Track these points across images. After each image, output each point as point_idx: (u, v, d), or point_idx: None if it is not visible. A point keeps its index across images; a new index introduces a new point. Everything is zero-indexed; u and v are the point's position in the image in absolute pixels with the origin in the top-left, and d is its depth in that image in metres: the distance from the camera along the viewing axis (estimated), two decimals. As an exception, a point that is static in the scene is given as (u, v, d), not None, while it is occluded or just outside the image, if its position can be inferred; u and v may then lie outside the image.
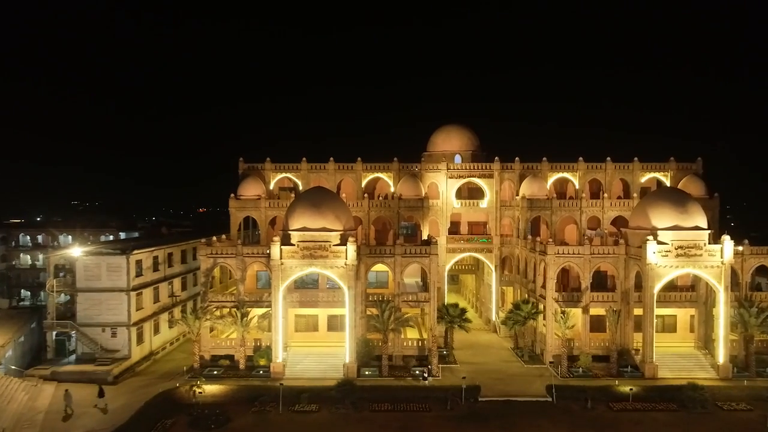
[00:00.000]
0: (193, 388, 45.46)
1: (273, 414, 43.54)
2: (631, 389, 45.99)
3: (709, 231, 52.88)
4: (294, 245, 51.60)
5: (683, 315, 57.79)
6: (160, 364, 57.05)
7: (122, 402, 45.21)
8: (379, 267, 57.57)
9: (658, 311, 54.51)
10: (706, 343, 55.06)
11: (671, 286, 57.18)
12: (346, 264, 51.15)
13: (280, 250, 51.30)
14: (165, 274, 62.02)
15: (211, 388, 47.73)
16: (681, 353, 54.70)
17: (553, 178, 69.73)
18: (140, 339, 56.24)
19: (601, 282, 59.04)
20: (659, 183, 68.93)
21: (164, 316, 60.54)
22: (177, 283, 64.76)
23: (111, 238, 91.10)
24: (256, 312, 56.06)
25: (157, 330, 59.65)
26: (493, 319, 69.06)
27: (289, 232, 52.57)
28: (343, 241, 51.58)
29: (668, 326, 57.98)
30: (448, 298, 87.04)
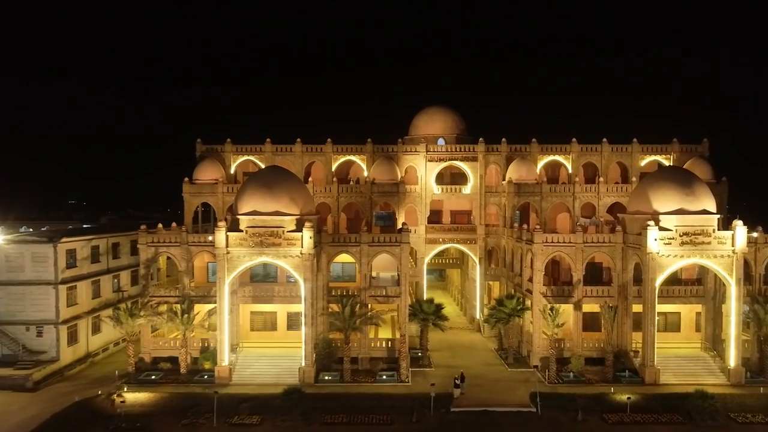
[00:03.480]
0: (112, 397, 38.90)
1: (205, 428, 36.98)
2: (628, 398, 39.40)
3: (718, 216, 46.30)
4: (242, 231, 45.00)
5: (688, 312, 51.19)
6: (97, 367, 50.43)
7: (33, 412, 38.59)
8: (347, 258, 51.07)
9: (660, 308, 47.88)
10: (715, 344, 48.44)
11: (675, 279, 50.80)
12: (302, 253, 44.56)
13: (226, 236, 44.70)
14: (108, 266, 55.48)
15: (140, 396, 41.19)
16: (686, 355, 48.10)
17: (543, 161, 63.06)
18: (73, 339, 49.61)
19: (595, 275, 52.52)
20: (661, 167, 62.27)
21: (107, 313, 53.75)
22: (125, 276, 58.18)
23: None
24: (205, 308, 49.46)
25: (96, 329, 53.05)
26: (477, 317, 62.49)
27: (238, 216, 45.98)
28: (300, 227, 45.00)
29: (671, 325, 51.47)
30: (433, 295, 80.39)
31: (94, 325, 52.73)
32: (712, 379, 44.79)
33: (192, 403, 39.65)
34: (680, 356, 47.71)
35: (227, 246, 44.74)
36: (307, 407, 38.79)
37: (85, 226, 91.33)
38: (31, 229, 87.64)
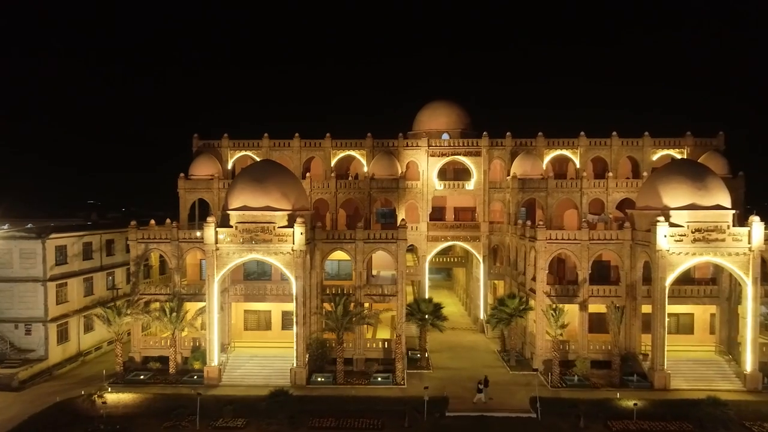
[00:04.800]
0: (92, 398, 37.62)
1: (188, 430, 35.43)
2: (635, 404, 37.03)
3: (733, 211, 43.67)
4: (232, 227, 43.49)
5: (702, 313, 48.62)
6: (88, 366, 49.33)
7: (13, 413, 37.42)
8: (343, 256, 49.31)
9: (672, 308, 45.57)
10: (730, 348, 45.81)
11: (687, 279, 48.32)
12: (293, 249, 42.90)
13: (215, 232, 43.24)
14: (102, 263, 54.42)
15: (124, 397, 39.88)
16: (699, 359, 45.50)
17: (550, 156, 60.80)
18: (63, 337, 48.59)
19: (603, 274, 50.18)
20: (672, 160, 59.54)
21: (97, 312, 52.59)
22: (120, 273, 57.08)
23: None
24: (198, 307, 48.03)
25: (89, 327, 51.97)
26: (481, 317, 60.35)
27: (228, 212, 44.51)
28: (291, 223, 43.35)
29: (684, 326, 48.92)
30: (440, 294, 78.94)
31: (87, 324, 51.65)
32: (727, 385, 42.24)
33: (177, 405, 38.16)
34: (693, 360, 45.16)
35: (216, 242, 43.28)
36: (294, 410, 37.18)
37: (88, 223, 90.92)
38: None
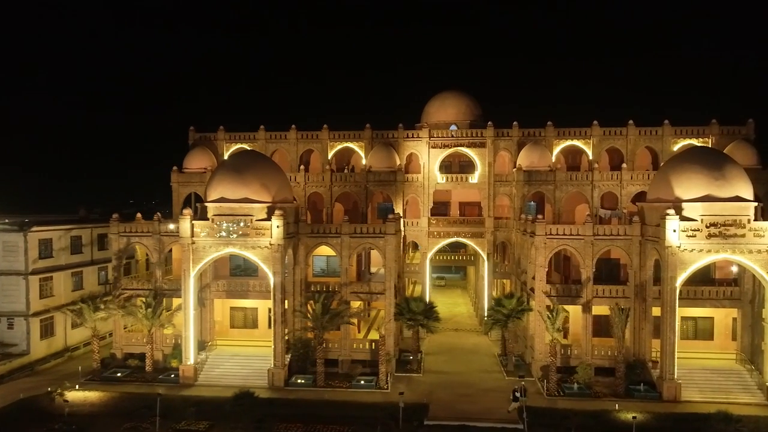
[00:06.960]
0: (53, 395, 36.26)
1: (148, 432, 33.65)
2: (633, 417, 33.15)
3: (756, 203, 39.10)
4: (209, 220, 41.60)
5: (723, 317, 44.03)
6: (74, 362, 48.22)
7: (-21, 409, 36.50)
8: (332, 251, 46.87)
9: (689, 312, 41.63)
10: (753, 356, 41.19)
11: (707, 279, 43.88)
12: (270, 244, 40.68)
13: (191, 225, 41.42)
14: (93, 257, 53.58)
15: (90, 395, 38.53)
16: (717, 368, 41.06)
17: (560, 146, 56.75)
18: (48, 332, 47.80)
19: (612, 273, 46.12)
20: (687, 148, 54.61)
21: (75, 307, 51.66)
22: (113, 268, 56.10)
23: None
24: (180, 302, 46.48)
25: (78, 322, 50.96)
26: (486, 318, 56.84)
27: (206, 204, 42.69)
28: (271, 216, 41.12)
29: (702, 332, 44.43)
30: (452, 294, 75.98)
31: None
32: (747, 398, 37.82)
33: (143, 405, 36.44)
34: (709, 368, 40.76)
35: (192, 236, 41.47)
36: (264, 414, 34.97)
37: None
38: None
